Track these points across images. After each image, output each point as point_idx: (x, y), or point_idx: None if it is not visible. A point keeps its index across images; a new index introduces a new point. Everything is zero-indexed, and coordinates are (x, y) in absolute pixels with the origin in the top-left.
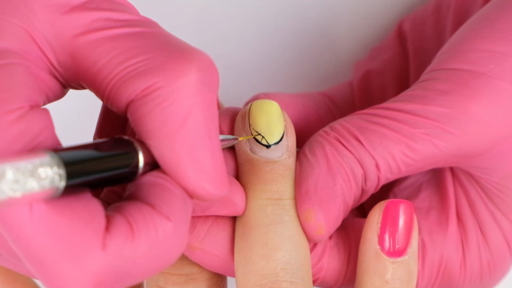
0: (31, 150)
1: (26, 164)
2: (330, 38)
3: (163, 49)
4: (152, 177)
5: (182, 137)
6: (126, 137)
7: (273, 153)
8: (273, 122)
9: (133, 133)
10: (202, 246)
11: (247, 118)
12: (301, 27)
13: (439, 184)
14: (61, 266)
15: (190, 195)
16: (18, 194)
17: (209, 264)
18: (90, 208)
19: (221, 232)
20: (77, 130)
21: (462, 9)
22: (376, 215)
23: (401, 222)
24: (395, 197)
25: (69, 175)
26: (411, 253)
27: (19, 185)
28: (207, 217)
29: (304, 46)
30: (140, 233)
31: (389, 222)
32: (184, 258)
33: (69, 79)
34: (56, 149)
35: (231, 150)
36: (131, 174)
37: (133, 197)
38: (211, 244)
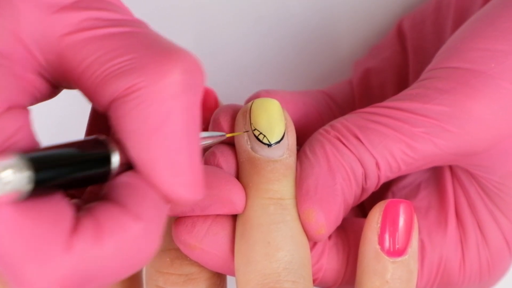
0: (2, 151)
1: None
2: (330, 37)
3: (149, 49)
4: (126, 177)
5: (158, 140)
6: (102, 137)
7: (274, 152)
8: (274, 120)
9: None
10: (201, 246)
11: (248, 116)
12: (301, 25)
13: (438, 184)
14: (26, 269)
15: (165, 198)
16: None
17: (209, 263)
18: (58, 209)
19: (221, 232)
20: (69, 130)
21: (462, 8)
22: (376, 215)
23: (401, 221)
24: (393, 196)
25: (38, 178)
26: (411, 253)
27: None
28: (207, 216)
29: (304, 45)
30: (108, 233)
31: (389, 222)
32: (183, 258)
33: (58, 78)
34: (27, 151)
35: (232, 148)
36: (105, 175)
37: (106, 198)
38: (211, 244)
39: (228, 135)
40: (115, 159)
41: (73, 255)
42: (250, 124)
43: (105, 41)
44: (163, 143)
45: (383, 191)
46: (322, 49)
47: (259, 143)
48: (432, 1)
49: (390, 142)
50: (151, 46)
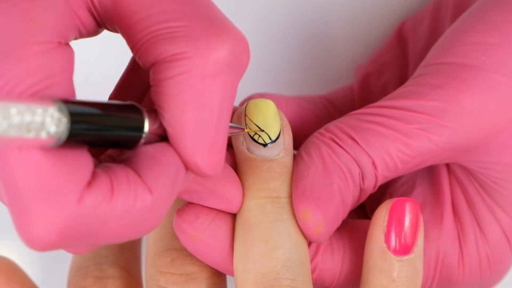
0: (44, 88)
1: (32, 108)
2: (330, 43)
3: (203, 21)
4: (151, 149)
5: (193, 110)
6: (137, 105)
7: (270, 152)
8: (269, 120)
9: (148, 103)
10: (203, 237)
11: (243, 117)
12: (302, 31)
13: (434, 180)
14: (35, 205)
15: (186, 166)
16: (17, 134)
17: (207, 257)
18: (79, 160)
19: (224, 226)
20: None
21: (460, 10)
22: (382, 213)
23: (407, 220)
24: (391, 197)
25: (73, 131)
26: (417, 252)
27: (19, 128)
28: (211, 209)
29: (304, 51)
30: (119, 195)
31: (395, 220)
32: (184, 257)
33: (106, 20)
34: (66, 100)
35: (230, 150)
36: (133, 141)
37: (126, 162)
38: (212, 236)
39: (246, 130)
40: (147, 127)
41: (83, 207)
42: (245, 124)
43: (163, 0)
44: (197, 114)
45: (382, 193)
46: (323, 55)
47: (255, 143)
48: (431, 4)
49: (386, 141)
50: (206, 18)
